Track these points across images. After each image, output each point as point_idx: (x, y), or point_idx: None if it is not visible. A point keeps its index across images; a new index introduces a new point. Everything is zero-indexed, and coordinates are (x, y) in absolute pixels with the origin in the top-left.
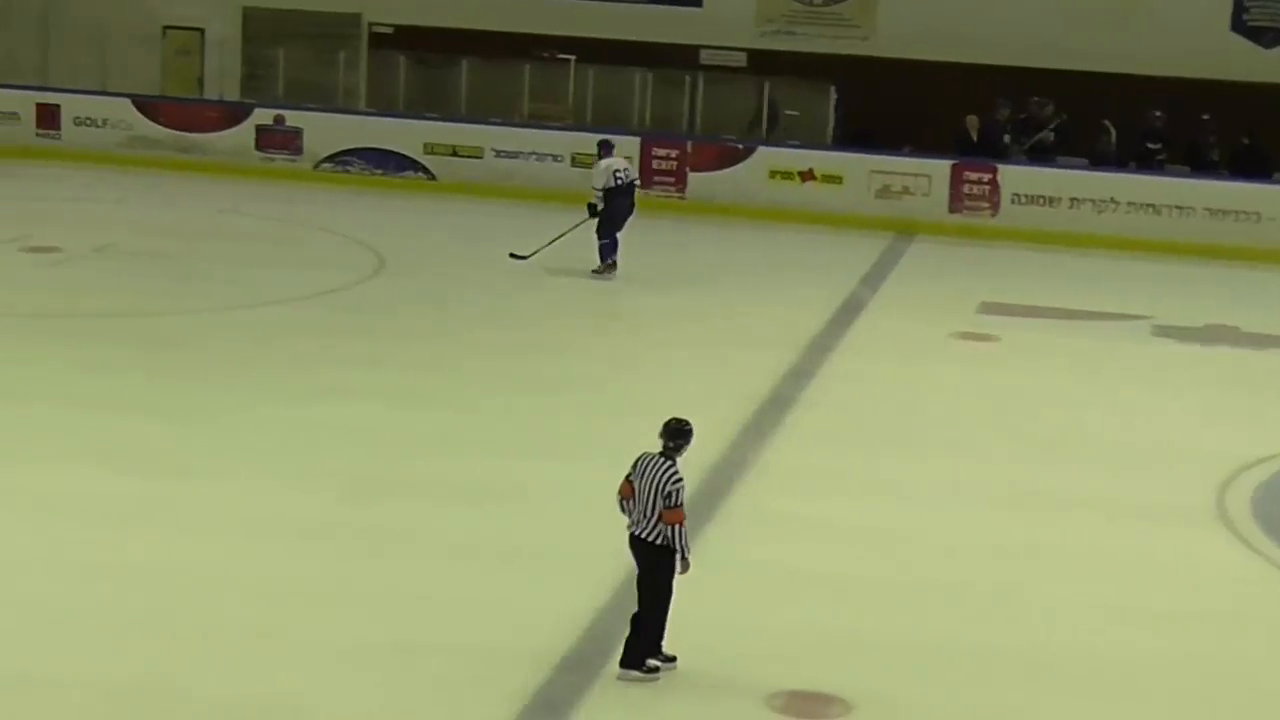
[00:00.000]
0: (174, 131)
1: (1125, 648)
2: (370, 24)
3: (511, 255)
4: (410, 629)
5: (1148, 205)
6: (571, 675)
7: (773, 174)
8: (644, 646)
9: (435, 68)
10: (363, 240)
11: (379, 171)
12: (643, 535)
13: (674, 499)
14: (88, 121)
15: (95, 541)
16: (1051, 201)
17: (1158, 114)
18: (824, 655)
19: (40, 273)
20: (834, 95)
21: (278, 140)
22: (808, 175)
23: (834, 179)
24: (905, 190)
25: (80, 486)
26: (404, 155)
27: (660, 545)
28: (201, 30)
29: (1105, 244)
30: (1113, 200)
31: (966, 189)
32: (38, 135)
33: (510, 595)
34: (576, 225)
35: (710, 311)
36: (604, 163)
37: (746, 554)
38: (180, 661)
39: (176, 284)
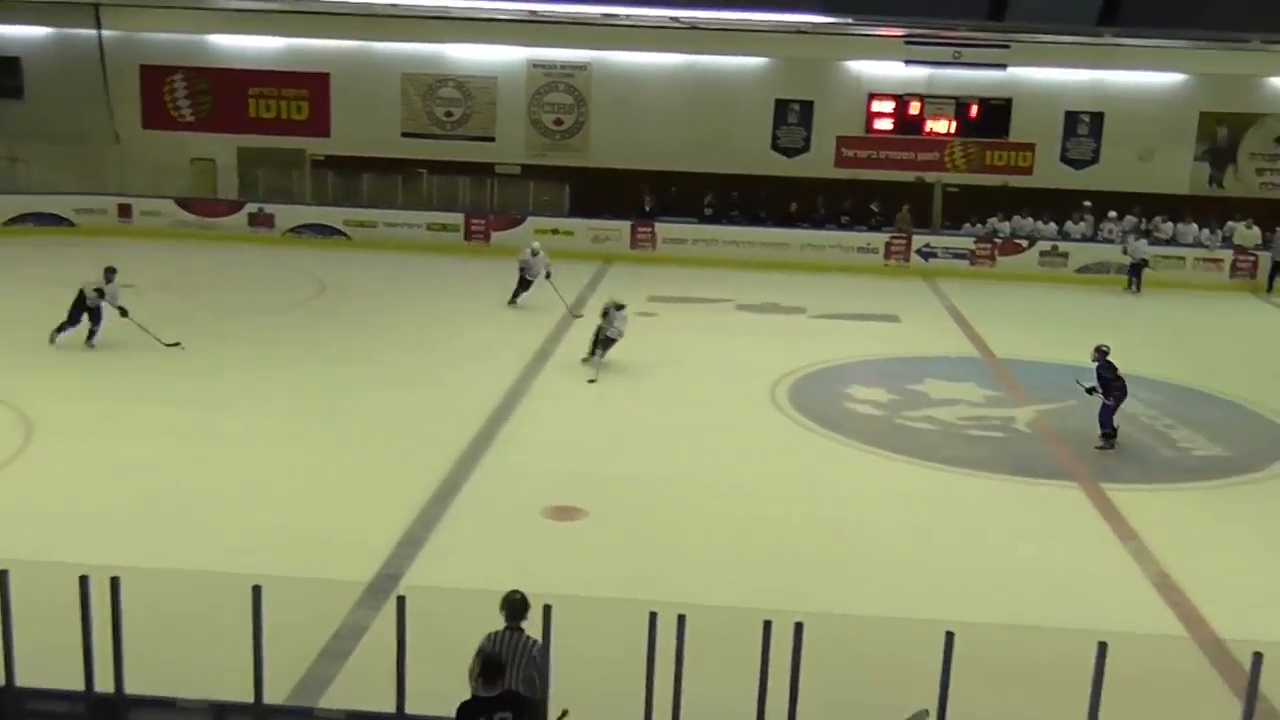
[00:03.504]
0: (199, 217)
1: (727, 465)
2: (310, 155)
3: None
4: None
5: (731, 242)
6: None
7: (537, 231)
8: None
9: (348, 178)
10: (313, 274)
11: (319, 236)
12: None
13: None
14: (149, 213)
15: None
16: (684, 242)
17: (734, 193)
18: (574, 487)
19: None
20: (568, 188)
21: (261, 220)
22: (556, 230)
23: (569, 233)
24: (608, 238)
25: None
26: (333, 227)
27: None
28: (214, 159)
29: (709, 263)
30: (715, 240)
31: (640, 236)
32: (119, 221)
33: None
34: None
35: (502, 306)
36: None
37: (526, 432)
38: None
39: (205, 301)
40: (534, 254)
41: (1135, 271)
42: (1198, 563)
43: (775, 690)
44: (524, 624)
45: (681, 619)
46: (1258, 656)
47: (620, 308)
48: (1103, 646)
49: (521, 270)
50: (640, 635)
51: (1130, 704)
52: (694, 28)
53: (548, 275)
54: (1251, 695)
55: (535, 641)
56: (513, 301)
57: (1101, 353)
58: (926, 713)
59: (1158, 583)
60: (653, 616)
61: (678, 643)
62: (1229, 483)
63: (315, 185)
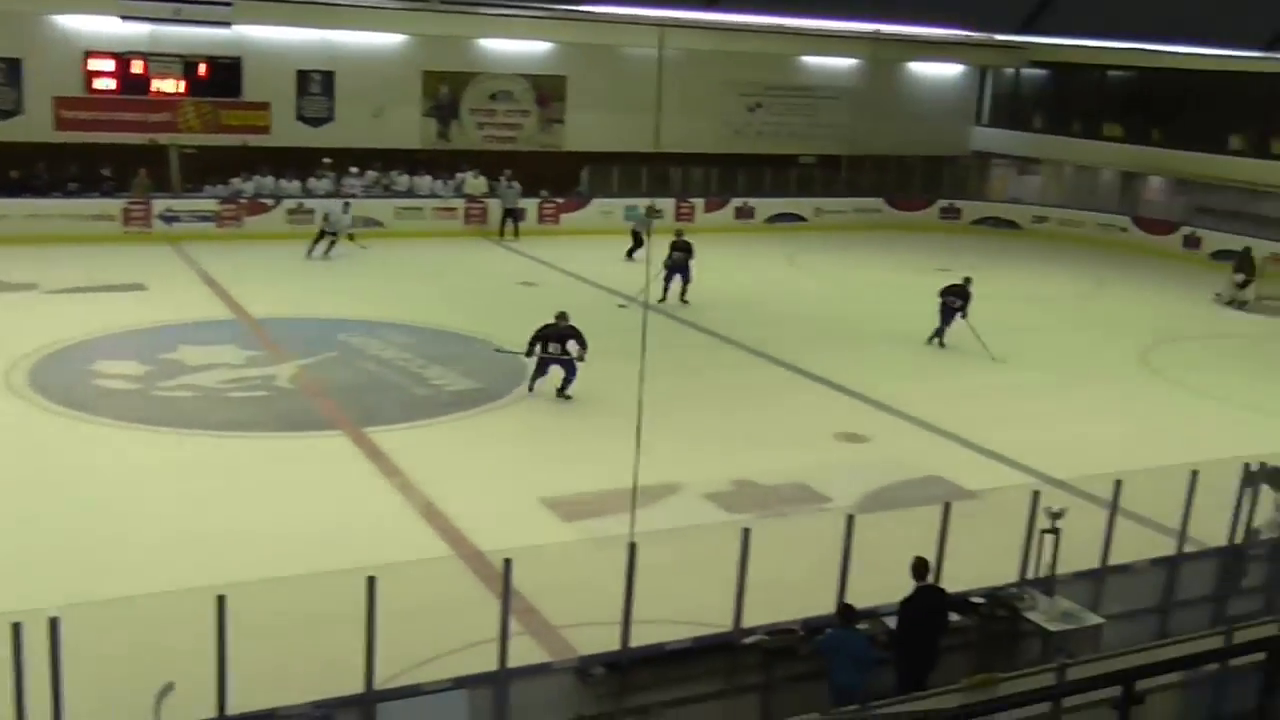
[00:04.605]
0: None
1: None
2: None
3: None
4: None
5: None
6: None
7: None
8: None
9: None
10: None
11: None
12: None
13: None
14: None
15: None
16: None
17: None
18: None
19: None
20: None
21: None
22: None
23: None
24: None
25: None
26: None
27: None
28: None
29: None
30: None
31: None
32: None
33: None
34: None
35: None
36: None
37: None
38: None
39: None
40: None
41: (327, 236)
42: (457, 488)
43: (37, 694)
44: None
45: None
46: (508, 562)
47: None
48: (371, 580)
49: None
50: None
51: (411, 626)
52: None
53: None
54: (506, 595)
55: None
56: None
57: (562, 316)
58: (172, 685)
59: (424, 512)
60: None
61: None
62: (480, 411)
63: None
